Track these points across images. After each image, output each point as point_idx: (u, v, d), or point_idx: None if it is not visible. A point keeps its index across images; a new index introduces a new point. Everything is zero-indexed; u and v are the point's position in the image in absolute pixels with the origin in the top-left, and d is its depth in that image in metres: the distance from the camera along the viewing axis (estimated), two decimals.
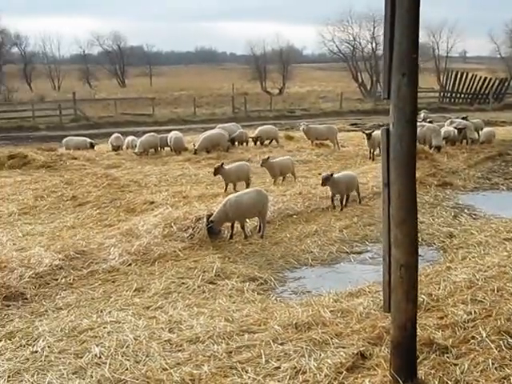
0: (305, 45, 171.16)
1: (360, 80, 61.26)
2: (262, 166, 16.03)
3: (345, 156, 21.16)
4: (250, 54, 72.41)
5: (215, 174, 15.31)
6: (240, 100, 47.33)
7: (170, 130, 24.97)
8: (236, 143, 23.45)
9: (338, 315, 7.68)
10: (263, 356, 6.70)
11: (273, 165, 15.96)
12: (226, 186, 15.34)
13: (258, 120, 38.15)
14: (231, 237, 11.52)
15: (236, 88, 54.34)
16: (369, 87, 59.83)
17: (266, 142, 24.04)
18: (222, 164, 15.44)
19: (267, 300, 8.69)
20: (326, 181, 13.17)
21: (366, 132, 20.54)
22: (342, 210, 13.54)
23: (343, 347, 6.81)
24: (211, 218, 11.26)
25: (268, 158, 16.19)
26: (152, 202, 14.27)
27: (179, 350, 6.94)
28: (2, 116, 43.22)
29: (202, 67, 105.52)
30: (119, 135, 24.60)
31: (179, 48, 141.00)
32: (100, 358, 6.81)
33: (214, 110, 47.35)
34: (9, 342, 7.39)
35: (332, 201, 13.71)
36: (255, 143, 23.62)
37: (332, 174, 13.37)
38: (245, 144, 23.80)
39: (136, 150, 22.17)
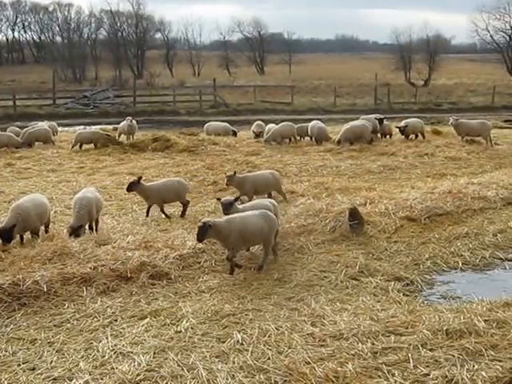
0: (454, 34, 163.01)
1: None
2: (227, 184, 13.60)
3: (499, 155, 19.73)
4: (394, 43, 70.49)
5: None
6: (382, 91, 46.31)
7: (309, 120, 24.66)
8: (379, 135, 22.76)
9: (493, 325, 7.15)
10: (411, 360, 6.38)
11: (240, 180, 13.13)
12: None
13: (402, 112, 37.28)
14: None
15: (378, 78, 53.00)
16: None
17: (412, 135, 23.03)
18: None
19: (414, 302, 8.25)
20: None
21: None
22: None
23: (499, 360, 6.36)
24: None
25: (235, 172, 13.30)
26: (293, 192, 14.15)
27: (322, 345, 6.77)
28: (144, 100, 45.25)
29: (343, 56, 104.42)
30: (261, 123, 24.77)
31: (319, 35, 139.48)
32: (242, 344, 6.80)
33: (354, 100, 46.75)
34: (154, 319, 7.57)
35: None
36: (402, 133, 22.55)
37: None
38: (388, 137, 23.04)
39: (266, 138, 22.11)
